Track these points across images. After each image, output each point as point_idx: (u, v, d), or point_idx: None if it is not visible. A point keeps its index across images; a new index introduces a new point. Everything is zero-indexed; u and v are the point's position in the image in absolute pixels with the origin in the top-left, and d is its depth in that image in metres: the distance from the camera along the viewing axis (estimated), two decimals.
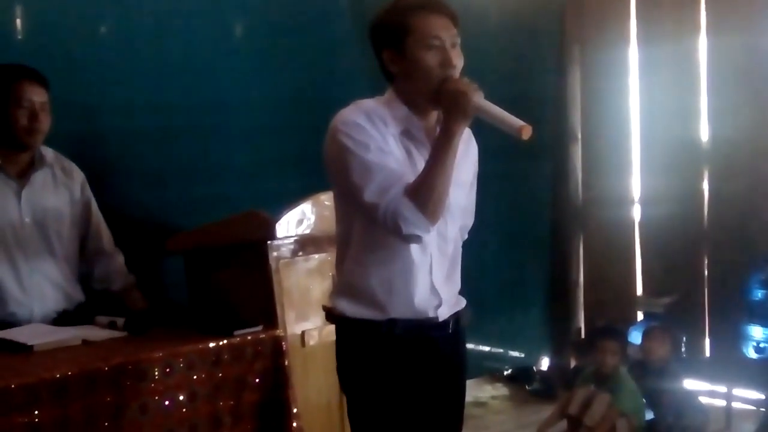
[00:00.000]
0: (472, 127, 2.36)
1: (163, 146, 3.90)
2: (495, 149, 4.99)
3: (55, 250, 3.29)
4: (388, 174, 2.19)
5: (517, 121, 2.20)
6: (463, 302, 2.49)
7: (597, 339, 4.44)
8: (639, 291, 5.48)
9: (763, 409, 4.58)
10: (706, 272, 5.18)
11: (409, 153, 2.29)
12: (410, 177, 2.22)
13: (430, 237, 2.29)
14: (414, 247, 2.28)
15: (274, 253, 3.27)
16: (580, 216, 5.76)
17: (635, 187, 5.52)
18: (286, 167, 4.19)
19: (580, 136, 5.75)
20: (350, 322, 2.35)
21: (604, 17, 5.59)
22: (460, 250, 2.47)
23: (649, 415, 4.39)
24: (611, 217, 5.59)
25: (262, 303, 3.21)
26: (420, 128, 2.32)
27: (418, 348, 2.34)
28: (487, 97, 2.23)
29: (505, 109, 2.23)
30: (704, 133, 5.18)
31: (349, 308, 2.34)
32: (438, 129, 2.30)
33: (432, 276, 2.34)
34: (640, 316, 5.35)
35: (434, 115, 2.34)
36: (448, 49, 2.26)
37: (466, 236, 2.53)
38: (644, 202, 5.48)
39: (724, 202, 5.09)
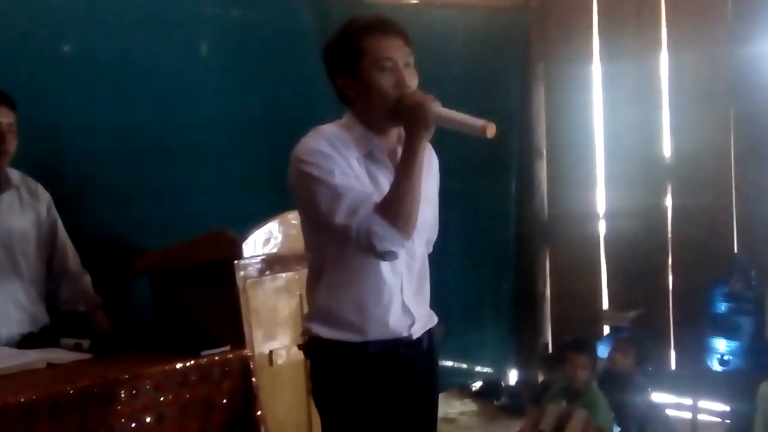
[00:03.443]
0: (435, 143, 2.37)
1: (129, 166, 3.88)
2: (459, 166, 5.08)
3: (21, 271, 3.27)
4: (355, 195, 2.20)
5: (479, 121, 2.21)
6: (435, 318, 2.50)
7: (567, 353, 4.45)
8: (605, 305, 5.53)
9: (728, 421, 4.63)
10: (670, 286, 5.24)
11: (371, 175, 2.30)
12: (377, 197, 2.23)
13: (400, 255, 2.30)
14: (385, 268, 2.30)
15: (241, 273, 3.27)
16: (546, 231, 5.81)
17: (600, 202, 5.58)
18: (253, 186, 4.19)
19: (545, 151, 5.81)
20: (325, 343, 2.35)
21: (568, 34, 5.65)
22: (427, 265, 2.49)
23: (616, 429, 4.42)
24: (576, 231, 5.64)
25: (229, 323, 3.20)
26: (381, 149, 2.34)
27: (393, 366, 2.35)
28: (445, 106, 2.25)
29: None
30: (667, 149, 5.25)
31: (324, 332, 2.34)
32: (399, 148, 2.33)
33: (403, 295, 2.35)
34: (606, 330, 5.39)
35: (394, 135, 2.36)
36: (401, 69, 2.28)
37: (431, 249, 2.55)
38: (609, 217, 5.54)
39: (687, 216, 5.15)
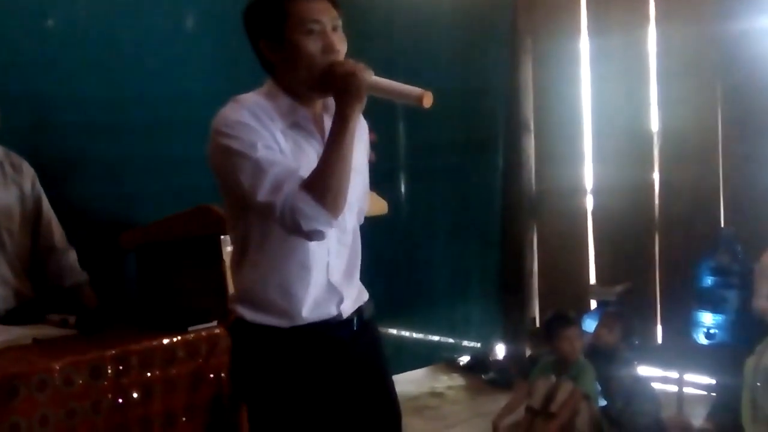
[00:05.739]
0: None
1: (116, 140, 3.85)
2: (446, 142, 5.08)
3: (6, 247, 3.26)
4: (280, 170, 2.05)
5: (416, 90, 2.08)
6: (365, 295, 2.37)
7: (557, 327, 4.45)
8: (592, 280, 5.55)
9: (714, 394, 4.66)
10: (657, 260, 5.26)
11: (298, 146, 2.16)
12: (303, 172, 2.08)
13: (330, 230, 2.14)
14: (312, 246, 2.16)
15: (228, 248, 3.26)
16: (534, 206, 5.81)
17: (587, 176, 5.58)
18: None
19: (532, 126, 5.80)
20: (250, 326, 2.20)
21: (555, 8, 5.63)
22: (359, 238, 2.34)
23: (602, 402, 4.44)
24: (564, 207, 5.65)
25: (215, 298, 3.19)
26: (307, 118, 2.19)
27: (325, 350, 2.21)
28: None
29: (403, 83, 2.13)
30: (654, 123, 5.25)
31: (250, 314, 2.20)
32: (324, 116, 2.22)
33: (329, 273, 2.22)
34: (593, 304, 5.41)
35: (319, 104, 2.23)
36: (329, 33, 2.13)
37: (362, 220, 2.39)
38: (596, 192, 5.55)
39: (674, 191, 5.17)
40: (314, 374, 2.19)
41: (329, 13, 2.15)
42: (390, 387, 2.40)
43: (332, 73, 2.09)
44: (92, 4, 3.80)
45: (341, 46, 2.15)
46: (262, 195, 2.04)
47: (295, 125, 2.17)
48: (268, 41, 2.17)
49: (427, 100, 2.06)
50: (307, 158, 2.14)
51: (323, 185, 2.05)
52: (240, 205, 2.16)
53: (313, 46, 2.12)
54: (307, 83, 2.15)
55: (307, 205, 2.03)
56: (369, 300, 2.38)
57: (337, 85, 2.08)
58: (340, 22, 2.17)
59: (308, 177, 2.07)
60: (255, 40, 2.21)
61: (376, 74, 2.11)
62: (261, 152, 2.06)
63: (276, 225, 2.09)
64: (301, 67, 2.13)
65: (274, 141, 2.10)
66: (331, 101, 2.20)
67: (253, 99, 2.16)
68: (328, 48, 2.12)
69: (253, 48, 2.23)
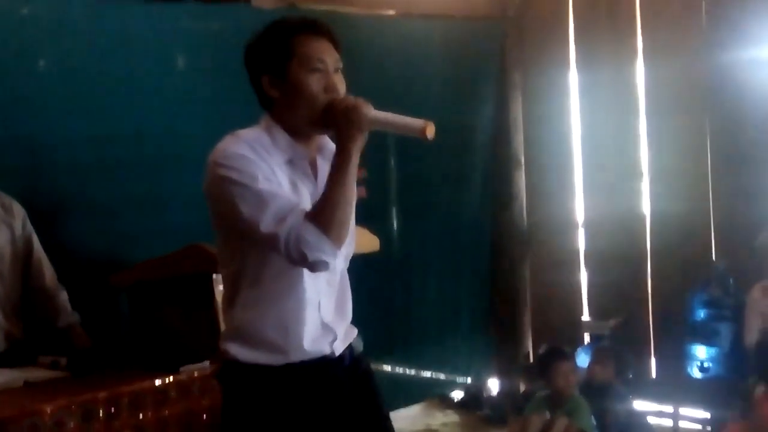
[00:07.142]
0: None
1: (107, 180, 3.85)
2: (438, 178, 5.09)
3: None
4: (282, 202, 2.08)
5: (418, 122, 2.11)
6: (354, 331, 2.37)
7: (551, 361, 4.45)
8: (585, 313, 5.54)
9: (709, 428, 4.65)
10: (649, 294, 5.26)
11: (293, 183, 2.18)
12: (303, 206, 2.12)
13: (333, 261, 2.15)
14: (307, 283, 2.17)
15: (219, 287, 3.24)
16: (525, 240, 5.81)
17: (579, 210, 5.59)
18: None
19: (523, 161, 5.82)
20: (242, 367, 2.19)
21: (544, 43, 5.67)
22: (347, 280, 2.35)
23: None
24: (556, 240, 5.65)
25: (208, 337, 3.17)
26: (303, 157, 2.22)
27: (320, 389, 2.21)
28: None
29: (404, 115, 2.15)
30: (644, 156, 5.27)
31: (243, 353, 2.19)
32: (319, 159, 2.25)
33: (321, 311, 2.23)
34: (586, 339, 5.40)
35: (314, 145, 2.26)
36: (332, 73, 2.19)
37: (347, 264, 2.38)
38: (588, 226, 5.55)
39: (666, 224, 5.17)
40: (311, 412, 2.19)
41: (332, 55, 2.20)
42: (387, 423, 2.39)
43: (333, 110, 2.13)
44: (83, 43, 3.80)
45: (341, 88, 2.19)
46: (266, 226, 2.05)
47: (291, 163, 2.19)
48: (270, 77, 2.19)
49: (430, 131, 2.09)
50: (301, 196, 2.17)
51: (328, 216, 2.07)
52: (236, 240, 2.17)
53: (315, 84, 2.16)
54: (307, 120, 2.18)
55: (313, 236, 2.05)
56: (357, 336, 2.39)
57: (339, 121, 2.11)
58: (341, 65, 2.22)
59: (312, 209, 2.10)
60: (256, 75, 2.23)
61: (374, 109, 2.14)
62: (262, 184, 2.07)
63: (275, 259, 2.10)
64: (303, 104, 2.17)
65: (273, 174, 2.12)
66: (325, 143, 2.25)
67: (251, 134, 2.18)
68: (330, 88, 2.17)
69: (252, 83, 2.25)
